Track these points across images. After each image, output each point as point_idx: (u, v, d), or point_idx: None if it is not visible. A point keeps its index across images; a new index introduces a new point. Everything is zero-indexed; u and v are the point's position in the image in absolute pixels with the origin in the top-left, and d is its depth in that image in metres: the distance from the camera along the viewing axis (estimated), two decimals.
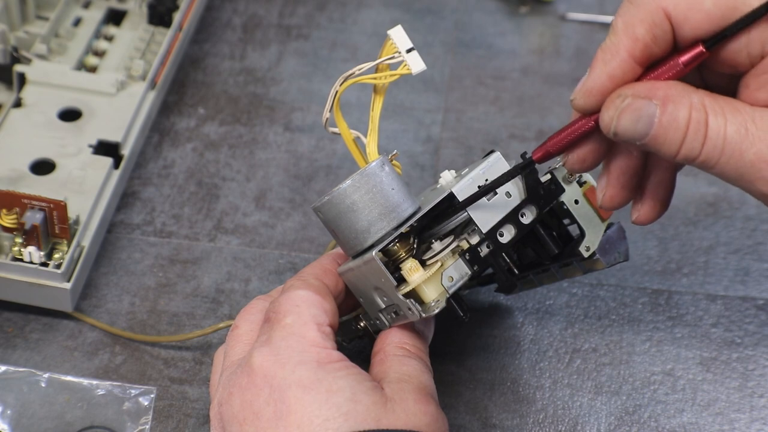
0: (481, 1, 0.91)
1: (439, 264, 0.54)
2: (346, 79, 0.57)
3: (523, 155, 0.57)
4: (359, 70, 0.57)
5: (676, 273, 0.71)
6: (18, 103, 0.73)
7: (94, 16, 0.81)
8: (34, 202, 0.64)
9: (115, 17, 0.82)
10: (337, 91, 0.57)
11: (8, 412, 0.61)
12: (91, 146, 0.71)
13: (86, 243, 0.66)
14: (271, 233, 0.72)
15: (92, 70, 0.77)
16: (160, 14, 0.80)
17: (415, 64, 0.57)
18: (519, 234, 0.56)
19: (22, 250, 0.64)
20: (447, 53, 0.86)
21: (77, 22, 0.80)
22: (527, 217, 0.56)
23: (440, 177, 0.59)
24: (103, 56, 0.78)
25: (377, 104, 0.59)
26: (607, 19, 0.90)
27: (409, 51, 0.57)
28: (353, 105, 0.81)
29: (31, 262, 0.64)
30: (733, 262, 0.71)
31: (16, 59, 0.75)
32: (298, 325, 0.54)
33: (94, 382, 0.62)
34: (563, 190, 0.58)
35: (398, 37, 0.57)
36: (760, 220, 0.74)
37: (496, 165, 0.57)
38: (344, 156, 0.77)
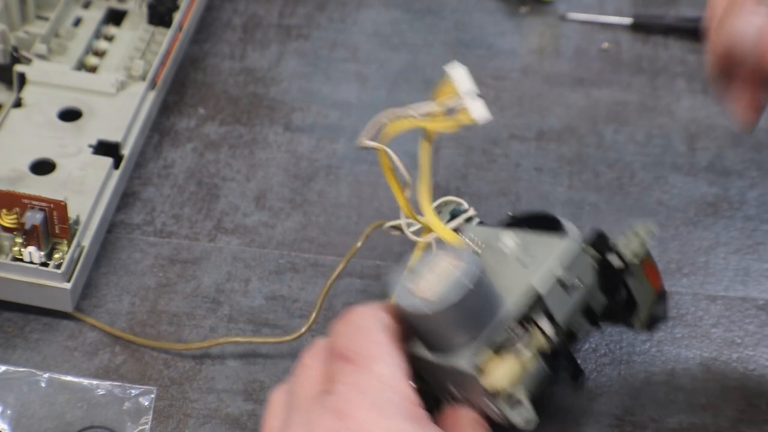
0: (481, 1, 0.91)
1: (516, 357, 0.52)
2: (397, 117, 0.52)
3: (599, 235, 0.56)
4: (415, 111, 0.52)
5: (676, 273, 0.71)
6: (18, 103, 0.73)
7: (94, 16, 0.81)
8: (34, 202, 0.64)
9: (115, 17, 0.82)
10: (382, 125, 0.52)
11: (8, 412, 0.61)
12: (91, 146, 0.71)
13: (86, 243, 0.66)
14: (271, 233, 0.72)
15: (92, 70, 0.77)
16: (160, 14, 0.80)
17: (478, 111, 0.51)
18: (591, 324, 0.56)
19: (22, 250, 0.64)
20: (447, 53, 0.86)
21: (77, 22, 0.80)
22: (597, 302, 0.56)
23: (500, 241, 0.56)
24: (103, 56, 0.78)
25: (426, 152, 0.54)
26: (607, 19, 0.90)
27: (470, 95, 0.52)
28: (353, 105, 0.81)
29: (31, 262, 0.64)
30: (733, 262, 0.71)
31: (16, 59, 0.75)
32: (390, 375, 0.51)
33: (94, 382, 0.62)
34: (632, 273, 0.57)
35: (459, 77, 0.51)
36: (760, 220, 0.74)
37: (569, 247, 0.54)
38: (344, 156, 0.77)
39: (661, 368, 0.66)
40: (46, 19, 0.79)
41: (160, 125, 0.78)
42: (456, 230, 0.60)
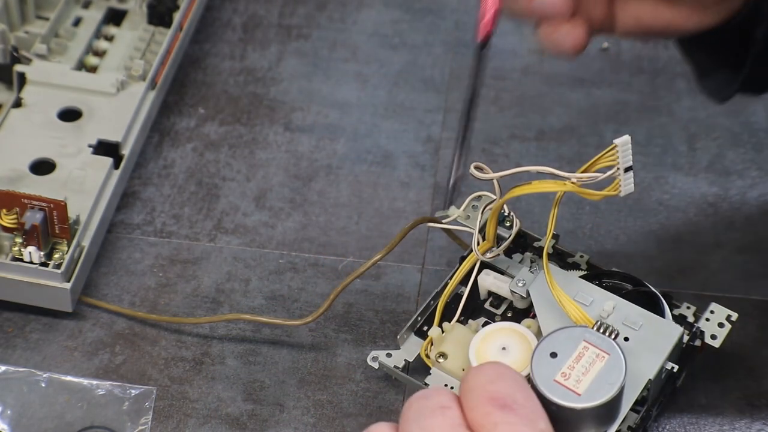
0: None
1: None
2: (553, 177, 0.52)
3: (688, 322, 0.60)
4: (576, 177, 0.52)
5: (676, 273, 0.71)
6: (18, 103, 0.73)
7: (94, 16, 0.81)
8: (34, 202, 0.64)
9: (115, 17, 0.82)
10: (524, 173, 0.53)
11: (8, 412, 0.61)
12: (91, 146, 0.71)
13: (86, 243, 0.66)
14: (271, 233, 0.72)
15: (92, 70, 0.77)
16: (160, 14, 0.80)
17: (627, 186, 0.52)
18: (663, 396, 0.59)
19: (22, 250, 0.64)
20: (447, 53, 0.86)
21: (77, 22, 0.80)
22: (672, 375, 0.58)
23: (601, 305, 0.57)
24: (103, 56, 0.78)
25: (554, 216, 0.55)
26: None
27: (627, 170, 0.51)
28: (353, 105, 0.81)
29: (31, 262, 0.64)
30: (733, 262, 0.71)
31: (16, 59, 0.75)
32: None
33: (94, 382, 0.62)
34: (704, 350, 0.60)
35: (624, 150, 0.51)
36: (760, 221, 0.74)
37: (678, 339, 0.57)
38: (344, 156, 0.77)
39: None
40: (46, 19, 0.79)
41: (160, 125, 0.78)
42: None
